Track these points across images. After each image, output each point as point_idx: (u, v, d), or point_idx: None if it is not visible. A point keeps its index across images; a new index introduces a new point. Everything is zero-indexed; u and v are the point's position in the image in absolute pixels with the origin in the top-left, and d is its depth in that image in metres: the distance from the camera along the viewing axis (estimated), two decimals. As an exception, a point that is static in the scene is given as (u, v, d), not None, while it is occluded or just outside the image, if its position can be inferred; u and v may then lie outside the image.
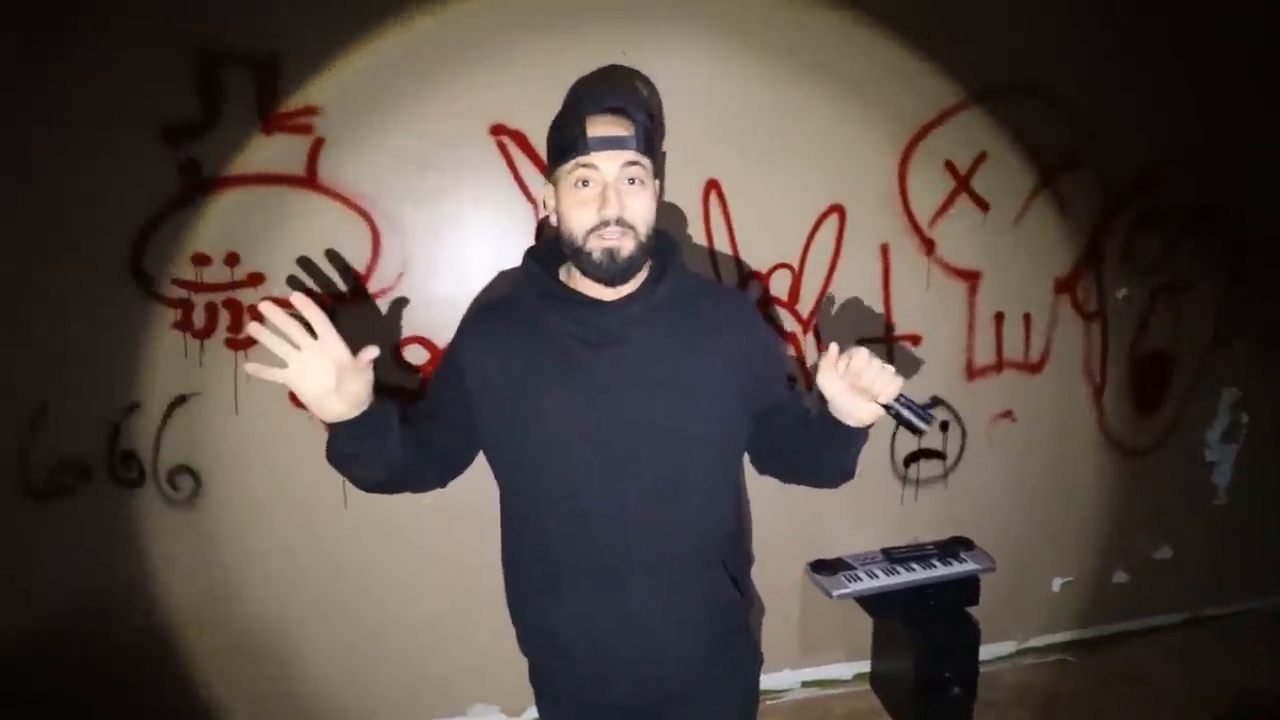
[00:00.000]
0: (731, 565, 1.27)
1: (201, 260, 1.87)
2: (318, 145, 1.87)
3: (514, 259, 1.96)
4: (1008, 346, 2.37)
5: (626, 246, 1.10)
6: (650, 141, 1.14)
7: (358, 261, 1.95)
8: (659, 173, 1.20)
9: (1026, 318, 2.37)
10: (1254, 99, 2.39)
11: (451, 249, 1.99)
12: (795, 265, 2.17)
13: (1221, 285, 2.51)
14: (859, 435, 1.11)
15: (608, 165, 1.09)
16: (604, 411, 1.13)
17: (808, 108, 2.09)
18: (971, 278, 2.30)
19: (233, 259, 1.88)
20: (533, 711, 2.23)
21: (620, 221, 1.09)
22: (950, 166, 2.21)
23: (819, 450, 1.16)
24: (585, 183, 1.10)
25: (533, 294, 1.19)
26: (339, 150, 1.88)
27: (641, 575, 1.17)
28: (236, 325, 1.91)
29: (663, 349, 1.15)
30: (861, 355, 1.04)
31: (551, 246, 1.23)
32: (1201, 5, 2.29)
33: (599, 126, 1.09)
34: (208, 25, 1.78)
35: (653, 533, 1.16)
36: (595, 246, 1.10)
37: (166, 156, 1.81)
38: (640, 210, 1.11)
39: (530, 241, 2.00)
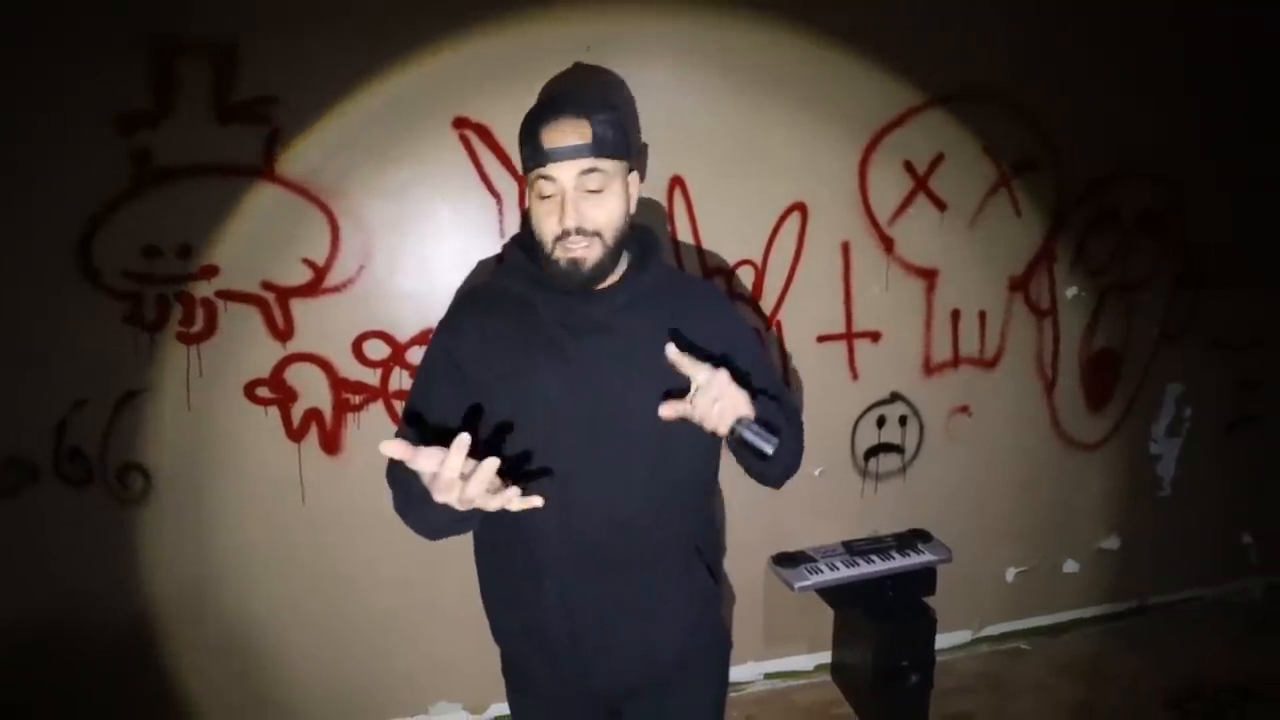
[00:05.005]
0: (707, 553, 1.29)
1: (152, 252, 1.82)
2: (275, 136, 1.84)
3: (477, 252, 1.99)
4: (964, 343, 2.42)
5: (592, 256, 1.11)
6: (614, 142, 1.12)
7: (316, 254, 1.92)
8: (636, 166, 1.19)
9: (982, 315, 2.42)
10: (1205, 106, 2.48)
11: (414, 242, 1.97)
12: (758, 262, 2.19)
13: (1169, 286, 2.60)
14: (739, 447, 1.09)
15: (564, 175, 1.09)
16: (592, 399, 1.14)
17: (771, 105, 2.11)
18: (929, 276, 2.35)
19: (185, 251, 1.84)
20: (496, 709, 2.25)
21: (581, 231, 1.10)
22: (909, 166, 2.25)
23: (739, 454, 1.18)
24: (546, 194, 1.11)
25: (519, 282, 1.19)
26: (297, 141, 1.85)
27: (624, 562, 1.18)
28: (189, 319, 1.87)
29: (648, 337, 1.15)
30: (704, 398, 1.02)
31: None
32: (1158, 14, 2.36)
33: (554, 136, 1.09)
34: (162, 11, 1.74)
35: (636, 520, 1.17)
36: (560, 256, 1.11)
37: (118, 146, 1.77)
38: (602, 217, 1.11)
39: (493, 234, 2.00)
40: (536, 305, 1.16)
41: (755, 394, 1.10)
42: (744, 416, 1.04)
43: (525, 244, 1.23)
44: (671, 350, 1.05)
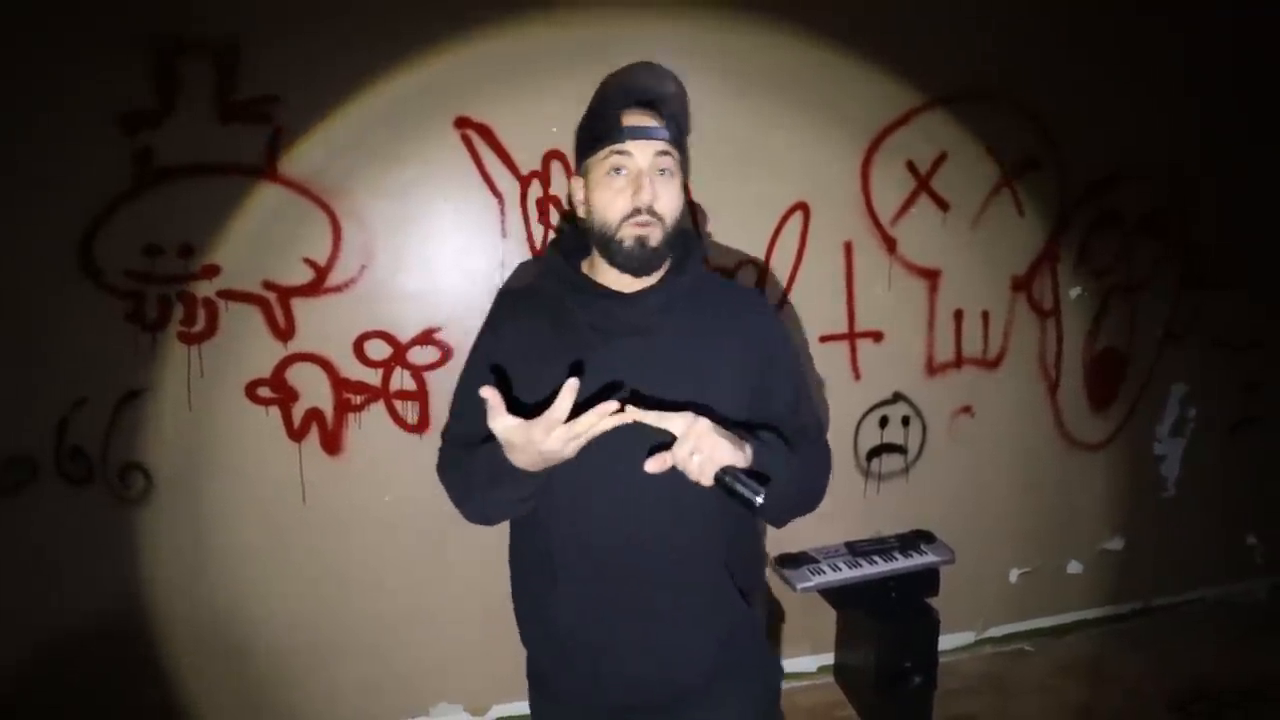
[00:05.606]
0: (738, 571, 1.24)
1: (154, 251, 1.82)
2: (277, 135, 1.84)
3: (479, 252, 1.99)
4: (967, 343, 2.42)
5: (655, 236, 1.12)
6: (680, 136, 1.16)
7: (318, 254, 1.92)
8: (685, 168, 1.20)
9: (985, 315, 2.42)
10: (1207, 108, 2.48)
11: (416, 242, 1.97)
12: (761, 262, 2.19)
13: (1172, 286, 2.59)
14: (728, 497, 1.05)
15: (641, 154, 1.11)
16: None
17: (771, 107, 2.11)
18: (932, 276, 2.34)
19: (186, 250, 1.84)
20: (498, 710, 2.24)
21: (651, 211, 1.11)
22: (911, 166, 2.25)
23: None
24: (618, 170, 1.12)
25: (556, 285, 1.20)
26: (299, 141, 1.85)
27: (640, 573, 1.16)
28: (190, 318, 1.87)
29: (683, 340, 1.16)
30: (681, 450, 1.01)
31: (574, 240, 1.24)
32: (1158, 14, 2.36)
33: (632, 117, 1.13)
34: (163, 11, 1.74)
35: (654, 530, 1.15)
36: (628, 234, 1.12)
37: (120, 145, 1.77)
38: (669, 201, 1.14)
39: (495, 234, 2.00)
40: (573, 308, 1.16)
41: (754, 432, 1.08)
42: (728, 466, 1.01)
43: (565, 248, 1.24)
44: (632, 411, 1.02)
